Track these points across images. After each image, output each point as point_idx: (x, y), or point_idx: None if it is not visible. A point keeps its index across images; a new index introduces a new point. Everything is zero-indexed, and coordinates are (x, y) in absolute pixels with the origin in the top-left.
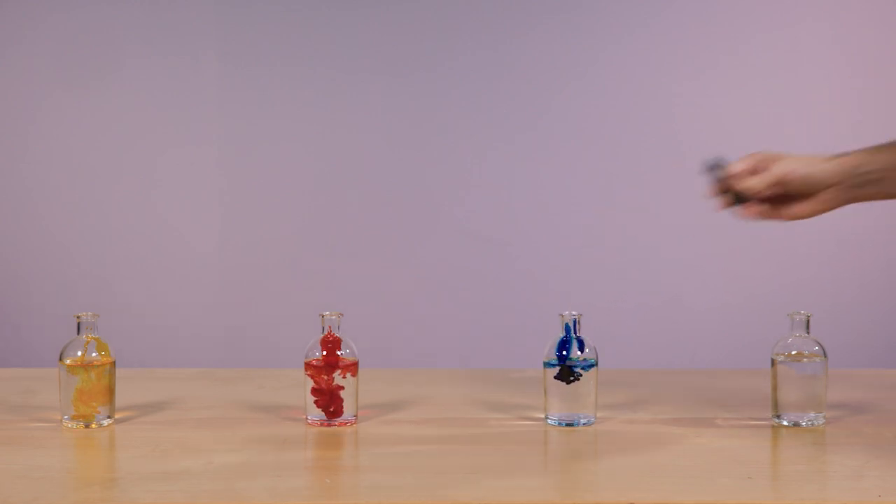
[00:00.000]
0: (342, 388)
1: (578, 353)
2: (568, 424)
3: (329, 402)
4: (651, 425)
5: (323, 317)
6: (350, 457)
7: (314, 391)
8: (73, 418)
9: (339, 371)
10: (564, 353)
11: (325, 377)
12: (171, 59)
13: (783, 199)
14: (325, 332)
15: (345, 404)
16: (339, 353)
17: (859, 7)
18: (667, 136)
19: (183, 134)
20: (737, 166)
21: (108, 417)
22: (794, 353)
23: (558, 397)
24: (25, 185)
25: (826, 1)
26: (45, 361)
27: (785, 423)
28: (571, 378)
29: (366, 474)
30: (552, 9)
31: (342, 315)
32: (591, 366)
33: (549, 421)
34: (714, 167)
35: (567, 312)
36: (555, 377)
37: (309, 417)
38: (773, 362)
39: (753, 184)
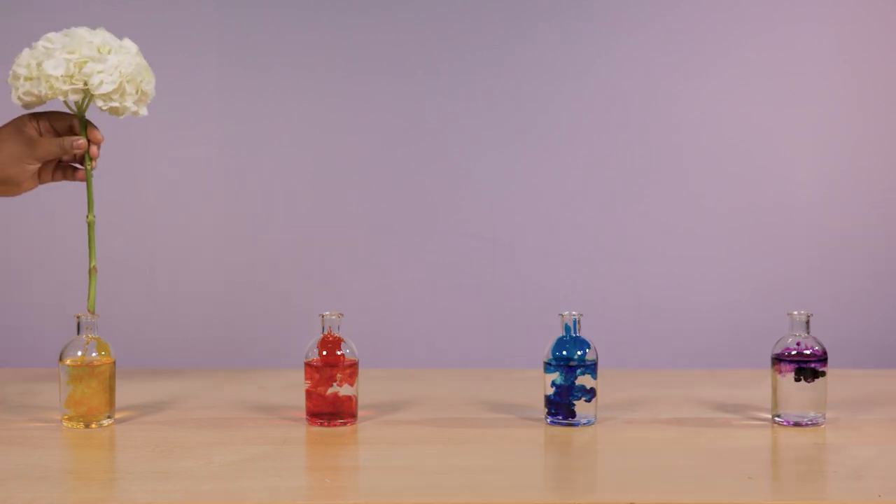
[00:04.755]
0: (336, 392)
1: (578, 352)
2: (568, 424)
3: (327, 408)
4: (651, 425)
5: (323, 317)
6: (350, 457)
7: (309, 396)
8: (72, 418)
9: (338, 376)
10: (564, 352)
11: (322, 388)
12: (171, 59)
13: None
14: (325, 332)
15: (345, 405)
16: (339, 353)
17: (860, 7)
18: (667, 136)
19: (183, 134)
20: None
21: (108, 417)
22: (794, 353)
23: None
24: None
25: (826, 1)
26: (45, 361)
27: (785, 423)
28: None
29: (366, 474)
30: (552, 9)
31: (342, 315)
32: (592, 365)
33: (549, 421)
34: None
35: (567, 312)
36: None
37: (309, 417)
38: (773, 362)
39: None
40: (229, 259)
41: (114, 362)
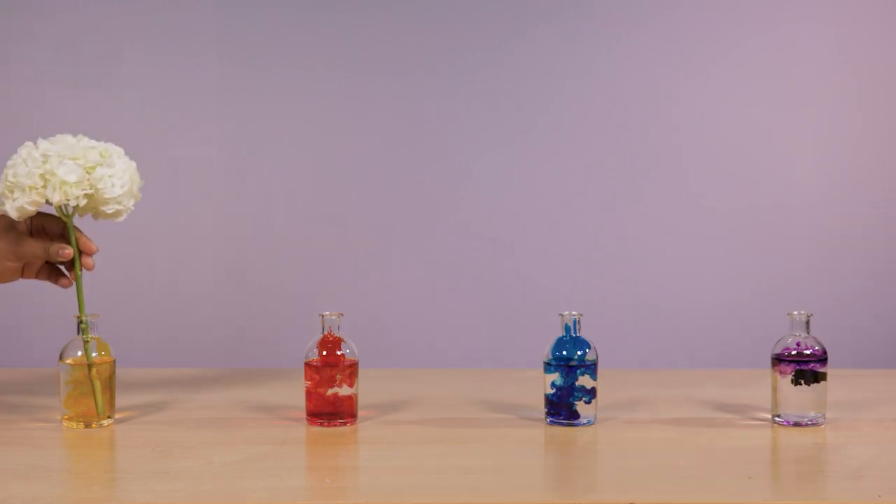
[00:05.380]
0: (337, 392)
1: (578, 352)
2: (568, 424)
3: (327, 408)
4: (651, 425)
5: (323, 317)
6: (350, 457)
7: (309, 396)
8: (72, 418)
9: (338, 376)
10: (564, 352)
11: (322, 388)
12: (171, 59)
13: None
14: (325, 332)
15: (345, 405)
16: (339, 353)
17: (860, 7)
18: (667, 136)
19: (183, 134)
20: None
21: (108, 417)
22: (794, 353)
23: None
24: None
25: (826, 1)
26: (45, 361)
27: (785, 423)
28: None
29: (366, 474)
30: (552, 9)
31: (342, 315)
32: (592, 366)
33: (549, 421)
34: None
35: (567, 312)
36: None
37: (309, 417)
38: (773, 362)
39: None
40: (229, 259)
41: (114, 362)
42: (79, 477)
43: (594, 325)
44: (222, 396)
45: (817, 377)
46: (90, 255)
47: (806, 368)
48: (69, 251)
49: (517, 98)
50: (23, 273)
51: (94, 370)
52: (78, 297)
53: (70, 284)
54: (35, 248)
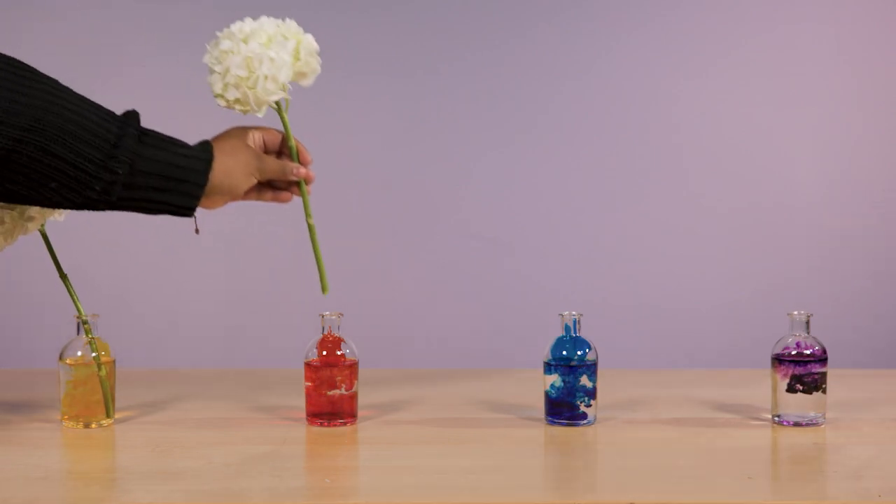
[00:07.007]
0: (336, 393)
1: (578, 353)
2: (568, 424)
3: (327, 408)
4: (651, 425)
5: (323, 317)
6: (350, 457)
7: (309, 396)
8: (72, 418)
9: (338, 377)
10: (564, 353)
11: (322, 388)
12: (171, 58)
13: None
14: (325, 332)
15: (345, 405)
16: (339, 353)
17: (860, 7)
18: (667, 136)
19: (183, 134)
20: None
21: (108, 417)
22: (794, 353)
23: None
24: None
25: (826, 1)
26: (45, 361)
27: (785, 423)
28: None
29: (366, 474)
30: (552, 9)
31: (342, 315)
32: (592, 366)
33: (549, 421)
34: None
35: (567, 312)
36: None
37: (309, 417)
38: (773, 362)
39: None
40: (229, 259)
41: (114, 362)
42: (79, 477)
43: (594, 325)
44: (222, 396)
45: (817, 383)
46: (306, 165)
47: (802, 372)
48: (303, 171)
49: (517, 98)
50: (247, 194)
51: (104, 369)
52: (72, 297)
53: (290, 199)
54: (274, 165)
